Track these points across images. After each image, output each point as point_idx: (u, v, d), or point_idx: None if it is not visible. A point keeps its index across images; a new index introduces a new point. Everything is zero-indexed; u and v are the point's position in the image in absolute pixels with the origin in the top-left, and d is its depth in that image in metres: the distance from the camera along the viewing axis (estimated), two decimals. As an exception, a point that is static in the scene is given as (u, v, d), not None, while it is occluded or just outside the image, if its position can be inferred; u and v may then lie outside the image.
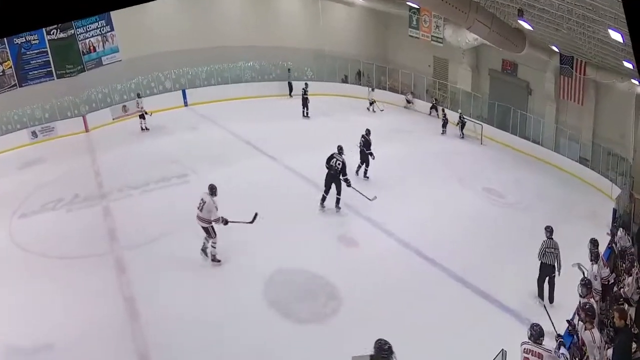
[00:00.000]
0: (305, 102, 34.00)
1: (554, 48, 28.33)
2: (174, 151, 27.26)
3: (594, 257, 14.58)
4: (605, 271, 14.68)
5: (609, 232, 19.00)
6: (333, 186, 20.57)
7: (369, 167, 24.25)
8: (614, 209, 22.15)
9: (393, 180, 24.07)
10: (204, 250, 17.34)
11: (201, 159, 25.93)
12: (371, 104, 35.77)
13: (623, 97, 26.77)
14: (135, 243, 18.70)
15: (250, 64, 38.26)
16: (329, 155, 20.66)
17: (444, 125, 32.61)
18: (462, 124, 32.32)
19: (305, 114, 34.01)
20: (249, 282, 16.29)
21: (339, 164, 20.33)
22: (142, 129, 31.10)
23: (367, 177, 24.26)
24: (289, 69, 38.87)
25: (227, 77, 37.60)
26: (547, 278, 15.68)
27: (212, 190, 16.76)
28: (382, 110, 35.26)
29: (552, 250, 15.37)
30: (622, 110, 27.29)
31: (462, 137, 32.19)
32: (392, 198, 22.12)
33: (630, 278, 14.60)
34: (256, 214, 17.14)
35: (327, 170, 20.49)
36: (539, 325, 10.36)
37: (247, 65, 38.21)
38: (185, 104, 35.72)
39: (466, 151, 30.17)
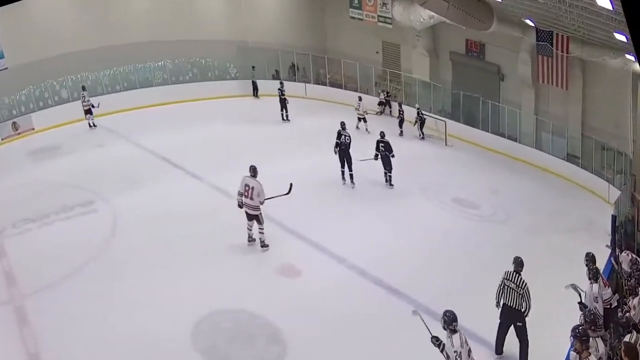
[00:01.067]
0: (283, 104, 33.75)
1: (529, 22, 28.00)
2: (76, 174, 26.38)
3: (592, 275, 13.82)
4: (607, 292, 13.88)
5: (609, 244, 18.96)
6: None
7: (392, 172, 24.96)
8: (612, 215, 21.47)
9: (341, 195, 23.80)
10: (251, 239, 19.13)
11: (109, 182, 25.21)
12: (361, 120, 33.22)
13: (616, 77, 26.54)
14: (38, 287, 17.72)
15: (161, 63, 37.55)
16: (337, 131, 24.01)
17: (400, 124, 32.16)
18: (421, 122, 31.81)
19: (285, 117, 33.75)
20: (174, 329, 15.53)
21: (347, 139, 23.89)
22: (90, 125, 31.71)
23: (392, 185, 24.91)
24: (253, 67, 38.56)
25: (134, 80, 36.75)
26: (513, 328, 14.76)
27: (255, 171, 18.48)
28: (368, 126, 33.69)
29: (515, 288, 13.90)
30: (616, 93, 27.08)
31: (422, 138, 31.81)
32: (340, 217, 21.67)
33: (637, 299, 13.92)
34: (291, 184, 19.25)
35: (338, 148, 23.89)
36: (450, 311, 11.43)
37: (157, 65, 37.49)
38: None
39: (428, 155, 30.00)
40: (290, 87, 37.03)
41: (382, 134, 25.05)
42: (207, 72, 38.66)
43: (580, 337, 10.44)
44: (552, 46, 27.73)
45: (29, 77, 33.18)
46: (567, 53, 27.39)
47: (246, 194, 18.18)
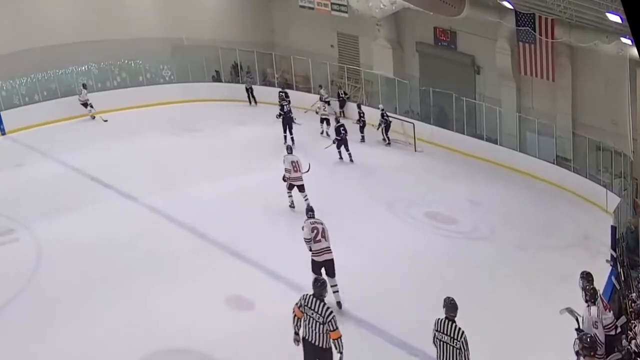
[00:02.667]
0: (289, 123, 32.73)
1: (506, 4, 27.83)
2: None
3: (590, 296, 13.28)
4: (608, 316, 13.51)
5: (609, 260, 19.18)
6: None
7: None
8: (612, 226, 21.09)
9: (292, 215, 23.26)
10: (292, 205, 23.02)
11: (31, 206, 24.67)
12: (323, 120, 32.90)
13: (611, 64, 26.57)
14: None
15: (85, 67, 37.03)
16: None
17: (361, 129, 31.86)
18: (385, 125, 31.58)
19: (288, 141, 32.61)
20: None
21: (288, 106, 30.19)
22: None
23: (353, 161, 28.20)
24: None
25: (54, 89, 36.08)
26: None
27: (291, 149, 23.59)
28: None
29: (449, 340, 12.55)
30: (612, 84, 27.14)
31: (388, 144, 31.59)
32: (294, 239, 20.41)
33: (643, 324, 13.68)
34: (309, 164, 22.76)
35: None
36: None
37: (81, 69, 36.92)
38: (2, 132, 34.09)
39: (395, 163, 29.81)
40: (232, 90, 37.79)
41: (337, 119, 27.88)
42: (138, 76, 38.38)
43: (584, 341, 11.07)
44: (535, 31, 27.86)
45: None
46: (552, 39, 27.53)
47: (294, 169, 22.57)
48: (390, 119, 31.71)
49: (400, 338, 16.15)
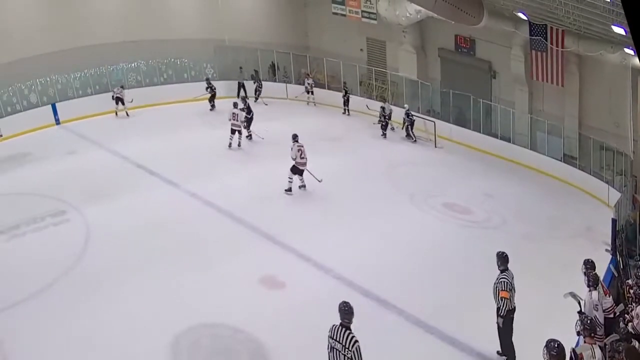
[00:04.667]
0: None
1: (521, 15, 27.91)
2: (47, 183, 26.05)
3: (592, 282, 13.68)
4: (608, 300, 13.75)
5: (608, 249, 19.08)
6: None
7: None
8: (612, 219, 21.41)
9: (324, 203, 23.57)
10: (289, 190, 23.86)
11: (82, 191, 24.88)
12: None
13: (615, 72, 26.63)
14: (7, 303, 17.46)
15: (134, 64, 37.17)
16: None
17: (384, 127, 31.89)
18: (410, 124, 31.61)
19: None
20: (152, 347, 15.30)
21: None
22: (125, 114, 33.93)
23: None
24: (240, 68, 38.31)
25: (106, 83, 36.22)
26: None
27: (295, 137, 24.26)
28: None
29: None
30: (615, 90, 27.15)
31: (414, 141, 31.56)
32: (324, 225, 21.60)
33: (639, 308, 13.89)
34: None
35: None
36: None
37: (130, 66, 37.11)
38: (57, 122, 34.12)
39: (416, 158, 29.79)
40: (270, 87, 37.39)
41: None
42: (183, 74, 38.30)
43: (585, 323, 11.10)
44: (547, 41, 27.67)
45: None
46: (562, 48, 27.35)
47: (301, 155, 23.60)
48: (414, 117, 31.65)
49: (417, 317, 16.29)
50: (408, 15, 32.17)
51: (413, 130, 31.58)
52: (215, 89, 35.45)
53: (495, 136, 30.93)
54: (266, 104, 35.56)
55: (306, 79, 37.20)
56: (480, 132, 31.28)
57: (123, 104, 34.06)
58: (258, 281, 18.17)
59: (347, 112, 35.32)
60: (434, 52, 35.37)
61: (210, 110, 34.98)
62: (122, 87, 34.38)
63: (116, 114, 33.95)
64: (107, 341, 15.50)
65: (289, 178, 23.66)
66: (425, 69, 35.55)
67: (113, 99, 33.90)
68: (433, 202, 24.22)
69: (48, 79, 34.24)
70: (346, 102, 35.38)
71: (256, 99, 36.56)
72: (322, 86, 37.58)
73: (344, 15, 36.12)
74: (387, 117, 31.96)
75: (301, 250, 19.78)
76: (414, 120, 31.63)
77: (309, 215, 22.54)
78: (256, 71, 37.71)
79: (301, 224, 21.65)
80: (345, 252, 19.66)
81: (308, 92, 36.89)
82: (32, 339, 15.83)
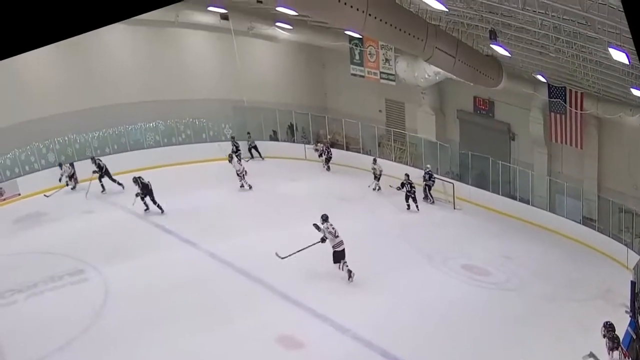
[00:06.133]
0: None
1: (540, 78, 28.31)
2: (64, 242, 26.15)
3: (612, 343, 13.88)
4: None
5: (628, 311, 18.95)
6: None
7: None
8: (632, 281, 21.39)
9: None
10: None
11: (99, 249, 25.02)
12: (377, 178, 33.61)
13: (634, 135, 26.76)
14: None
15: (152, 124, 37.40)
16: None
17: (408, 198, 30.64)
18: (429, 185, 31.45)
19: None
20: None
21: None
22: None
23: None
24: (248, 133, 38.44)
25: (124, 143, 36.52)
26: None
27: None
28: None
29: None
30: (634, 152, 27.28)
31: (432, 202, 31.49)
32: (342, 285, 21.63)
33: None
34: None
35: None
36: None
37: (148, 126, 37.34)
38: (75, 181, 34.15)
39: (435, 219, 29.77)
40: (288, 148, 37.57)
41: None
42: (202, 133, 38.41)
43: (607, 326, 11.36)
44: (566, 103, 27.95)
45: (14, 139, 32.79)
46: (581, 110, 27.57)
47: (336, 233, 21.81)
48: (435, 179, 31.50)
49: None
50: (427, 76, 32.32)
51: (431, 192, 31.45)
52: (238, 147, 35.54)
53: (514, 198, 30.96)
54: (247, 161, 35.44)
55: (317, 144, 37.14)
56: (499, 193, 31.29)
57: (73, 180, 32.86)
58: (275, 340, 18.24)
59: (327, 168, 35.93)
60: (452, 114, 35.61)
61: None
62: (70, 164, 33.17)
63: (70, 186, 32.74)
64: None
65: (340, 269, 22.00)
66: (444, 131, 35.75)
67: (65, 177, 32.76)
68: (452, 264, 24.25)
69: (66, 138, 34.48)
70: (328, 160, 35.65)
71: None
72: (340, 147, 37.65)
73: (363, 76, 36.30)
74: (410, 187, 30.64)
75: (319, 310, 19.82)
76: (434, 182, 31.53)
77: (327, 275, 22.44)
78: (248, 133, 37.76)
79: (319, 283, 21.79)
80: (363, 312, 19.81)
81: (320, 156, 36.67)
82: None
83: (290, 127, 40.03)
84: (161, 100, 36.74)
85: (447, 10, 21.28)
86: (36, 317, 19.91)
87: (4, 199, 31.93)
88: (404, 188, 29.78)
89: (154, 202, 29.07)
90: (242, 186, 32.42)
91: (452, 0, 20.51)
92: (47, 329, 19.21)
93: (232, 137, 35.87)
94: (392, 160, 35.58)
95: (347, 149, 37.60)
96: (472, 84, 29.22)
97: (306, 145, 37.70)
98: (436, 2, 19.04)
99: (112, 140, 35.98)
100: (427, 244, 25.97)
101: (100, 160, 32.68)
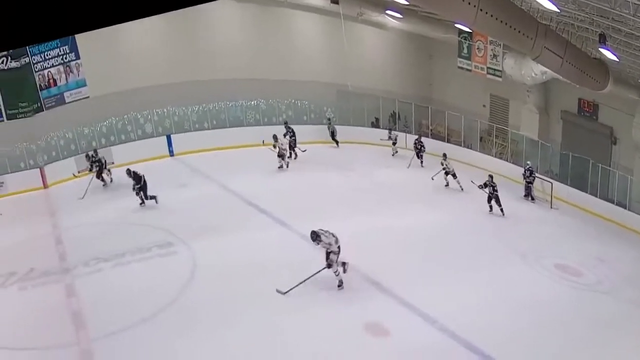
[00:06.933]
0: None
1: (647, 84, 27.77)
2: (156, 214, 27.07)
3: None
4: None
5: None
6: None
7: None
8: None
9: (435, 255, 23.64)
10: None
11: (191, 224, 25.65)
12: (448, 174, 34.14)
13: None
14: (106, 331, 18.24)
15: (253, 102, 38.07)
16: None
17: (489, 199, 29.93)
18: (530, 182, 31.30)
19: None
20: None
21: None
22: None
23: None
24: (328, 118, 38.76)
25: (224, 119, 37.34)
26: None
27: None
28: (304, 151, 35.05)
29: None
30: None
31: (533, 200, 31.33)
32: (433, 276, 21.71)
33: None
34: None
35: None
36: None
37: (249, 104, 38.01)
38: (171, 154, 35.51)
39: (531, 217, 29.51)
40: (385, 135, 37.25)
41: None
42: (303, 115, 38.96)
43: None
44: None
45: (112, 108, 33.87)
46: None
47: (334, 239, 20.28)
48: (534, 175, 31.28)
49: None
50: (533, 75, 32.16)
51: (532, 191, 31.28)
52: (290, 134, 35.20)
53: (612, 202, 30.52)
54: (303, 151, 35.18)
55: (390, 132, 37.17)
56: (597, 196, 30.84)
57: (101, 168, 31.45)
58: (363, 327, 18.41)
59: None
60: (556, 114, 35.34)
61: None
62: (95, 150, 32.31)
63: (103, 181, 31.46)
64: None
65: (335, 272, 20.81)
66: (546, 130, 35.49)
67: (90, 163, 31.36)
68: (545, 262, 24.03)
69: (165, 110, 35.37)
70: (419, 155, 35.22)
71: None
72: (442, 139, 37.59)
73: (469, 70, 36.38)
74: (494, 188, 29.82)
75: (408, 300, 19.90)
76: (534, 179, 31.32)
77: (419, 265, 22.58)
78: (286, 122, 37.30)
79: (410, 273, 21.87)
80: (452, 304, 19.80)
81: (394, 144, 36.89)
82: None
83: (393, 115, 40.37)
84: (264, 79, 37.16)
85: (558, 11, 21.38)
86: (121, 287, 20.68)
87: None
88: (487, 189, 29.04)
89: (146, 196, 28.29)
90: (280, 167, 32.62)
91: (564, 1, 20.58)
92: (131, 299, 19.90)
93: (285, 122, 35.78)
94: (492, 155, 35.50)
95: (448, 142, 37.51)
96: (577, 85, 28.98)
97: (407, 135, 37.66)
98: (548, 2, 19.22)
99: (212, 116, 36.83)
100: (522, 242, 25.79)
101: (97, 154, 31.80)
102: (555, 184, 31.66)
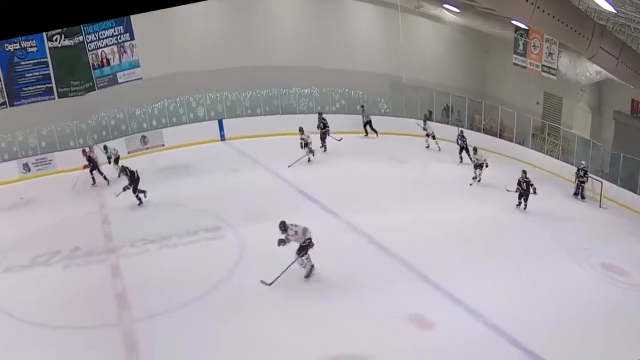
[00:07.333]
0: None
1: (701, 88, 27.63)
2: (205, 197, 27.24)
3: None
4: None
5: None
6: None
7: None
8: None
9: (483, 250, 23.54)
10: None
11: (240, 209, 25.88)
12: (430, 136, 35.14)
13: None
14: (151, 313, 18.59)
15: (307, 90, 38.27)
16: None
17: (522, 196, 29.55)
18: (583, 182, 31.08)
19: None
20: None
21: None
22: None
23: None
24: (362, 106, 38.66)
25: (276, 106, 37.69)
26: None
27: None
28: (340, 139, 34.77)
29: None
30: None
31: (583, 199, 31.20)
32: (480, 270, 21.71)
33: None
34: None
35: None
36: None
37: (303, 92, 38.24)
38: (222, 138, 35.90)
39: (580, 215, 29.30)
40: (441, 129, 37.31)
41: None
42: (356, 105, 38.83)
43: None
44: None
45: (165, 90, 34.33)
46: None
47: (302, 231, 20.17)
48: (588, 176, 31.02)
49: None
50: (588, 74, 32.17)
51: (584, 191, 31.13)
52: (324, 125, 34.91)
53: (663, 204, 30.31)
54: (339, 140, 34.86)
55: (425, 122, 36.72)
56: (646, 197, 30.65)
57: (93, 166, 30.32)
58: (408, 318, 18.38)
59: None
60: (609, 114, 35.18)
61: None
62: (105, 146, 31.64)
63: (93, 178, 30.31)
64: (247, 354, 16.44)
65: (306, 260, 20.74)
66: (598, 129, 35.33)
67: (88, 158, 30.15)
68: (592, 261, 23.81)
69: (218, 94, 35.79)
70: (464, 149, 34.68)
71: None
72: (494, 134, 37.57)
73: (524, 67, 36.39)
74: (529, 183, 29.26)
75: (454, 293, 19.86)
76: (587, 179, 31.12)
77: (467, 259, 22.49)
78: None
79: (458, 267, 21.78)
80: (498, 299, 19.68)
81: (428, 136, 36.46)
82: (169, 352, 16.77)
83: (446, 108, 40.41)
84: (319, 68, 37.53)
85: (615, 11, 21.43)
86: (166, 270, 20.92)
87: (147, 148, 33.40)
88: (518, 186, 28.39)
89: (134, 191, 27.21)
90: (309, 160, 32.27)
91: (621, 2, 20.59)
92: (176, 282, 20.14)
93: (319, 112, 35.47)
94: (543, 152, 35.29)
95: (500, 137, 37.50)
96: (632, 87, 28.93)
97: (417, 121, 37.55)
98: (605, 2, 19.29)
99: (264, 102, 37.09)
100: (569, 239, 25.54)
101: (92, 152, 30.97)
102: (605, 183, 31.46)
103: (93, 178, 30.25)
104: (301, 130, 32.05)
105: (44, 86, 29.74)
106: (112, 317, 18.40)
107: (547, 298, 20.25)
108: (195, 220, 24.86)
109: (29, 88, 29.45)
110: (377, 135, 37.84)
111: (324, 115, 35.18)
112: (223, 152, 33.98)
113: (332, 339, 17.17)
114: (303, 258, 20.37)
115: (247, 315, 18.32)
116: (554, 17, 17.77)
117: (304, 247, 20.25)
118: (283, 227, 19.92)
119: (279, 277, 19.84)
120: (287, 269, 19.87)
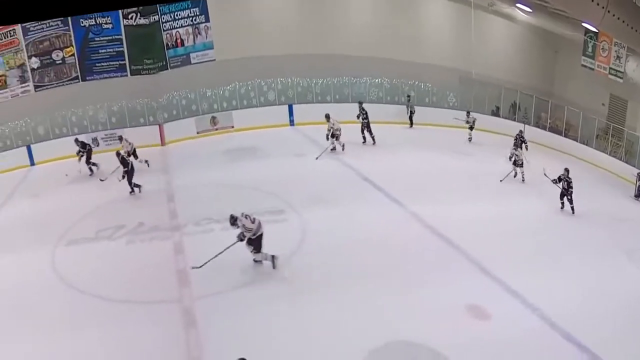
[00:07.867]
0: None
1: None
2: (271, 180, 27.67)
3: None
4: None
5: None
6: None
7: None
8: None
9: (543, 246, 23.54)
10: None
11: (304, 193, 26.37)
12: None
13: None
14: (210, 291, 19.12)
15: (378, 80, 38.75)
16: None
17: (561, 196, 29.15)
18: None
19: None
20: (346, 358, 16.23)
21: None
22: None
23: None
24: (408, 96, 39.12)
25: (346, 94, 38.18)
26: None
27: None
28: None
29: None
30: None
31: None
32: (538, 264, 21.79)
33: None
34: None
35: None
36: None
37: (374, 81, 38.71)
38: (291, 123, 36.64)
39: (636, 216, 28.92)
40: (507, 125, 37.82)
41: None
42: (425, 98, 39.42)
43: None
44: None
45: (237, 73, 35.03)
46: None
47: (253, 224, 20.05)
48: None
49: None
50: (655, 79, 32.07)
51: None
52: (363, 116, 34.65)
53: None
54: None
55: (469, 115, 37.07)
56: None
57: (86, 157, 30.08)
58: (465, 309, 18.51)
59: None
60: (673, 119, 34.87)
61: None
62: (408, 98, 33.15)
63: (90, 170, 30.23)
64: (301, 347, 16.45)
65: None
66: (662, 133, 35.19)
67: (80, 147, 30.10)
68: None
69: (289, 80, 36.44)
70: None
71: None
72: (559, 133, 37.78)
73: (592, 69, 36.56)
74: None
75: (512, 285, 19.89)
76: None
77: (525, 251, 22.51)
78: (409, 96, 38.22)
79: (516, 259, 21.84)
80: (555, 294, 19.64)
81: (471, 129, 36.89)
82: (228, 329, 17.19)
83: (513, 105, 40.52)
84: (390, 59, 37.85)
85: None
86: (229, 249, 20.40)
87: (217, 129, 34.01)
88: (560, 184, 27.54)
89: (129, 181, 27.01)
90: (333, 148, 32.13)
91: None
92: (237, 262, 20.37)
93: (360, 102, 35.24)
94: (607, 153, 35.29)
95: (566, 136, 37.67)
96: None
97: (455, 116, 37.84)
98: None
99: (335, 90, 37.55)
100: (629, 240, 25.10)
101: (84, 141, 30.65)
102: (663, 186, 31.31)
103: (90, 168, 30.12)
104: (327, 117, 32.06)
105: (117, 63, 30.96)
106: (172, 294, 19.00)
107: (602, 296, 20.02)
108: (260, 202, 25.07)
109: (102, 64, 30.65)
110: (411, 126, 38.46)
111: (364, 105, 34.90)
112: (291, 137, 34.55)
113: (385, 327, 17.39)
114: (263, 252, 20.41)
115: (304, 299, 18.64)
116: (623, 21, 18.33)
117: (255, 241, 20.13)
118: (232, 220, 19.89)
119: (209, 260, 19.93)
120: (221, 252, 19.94)
